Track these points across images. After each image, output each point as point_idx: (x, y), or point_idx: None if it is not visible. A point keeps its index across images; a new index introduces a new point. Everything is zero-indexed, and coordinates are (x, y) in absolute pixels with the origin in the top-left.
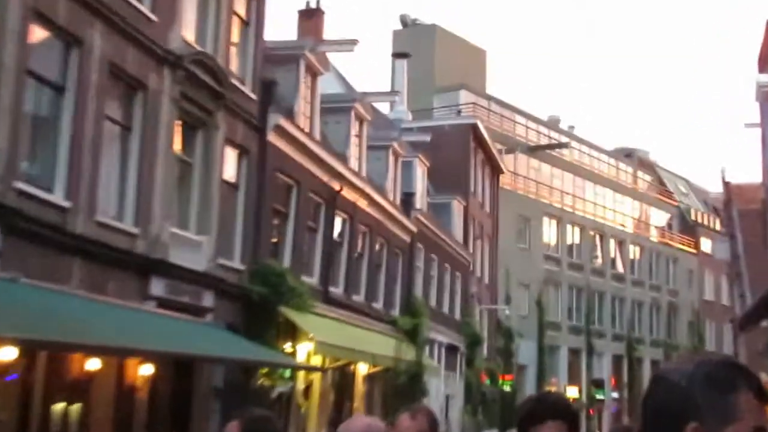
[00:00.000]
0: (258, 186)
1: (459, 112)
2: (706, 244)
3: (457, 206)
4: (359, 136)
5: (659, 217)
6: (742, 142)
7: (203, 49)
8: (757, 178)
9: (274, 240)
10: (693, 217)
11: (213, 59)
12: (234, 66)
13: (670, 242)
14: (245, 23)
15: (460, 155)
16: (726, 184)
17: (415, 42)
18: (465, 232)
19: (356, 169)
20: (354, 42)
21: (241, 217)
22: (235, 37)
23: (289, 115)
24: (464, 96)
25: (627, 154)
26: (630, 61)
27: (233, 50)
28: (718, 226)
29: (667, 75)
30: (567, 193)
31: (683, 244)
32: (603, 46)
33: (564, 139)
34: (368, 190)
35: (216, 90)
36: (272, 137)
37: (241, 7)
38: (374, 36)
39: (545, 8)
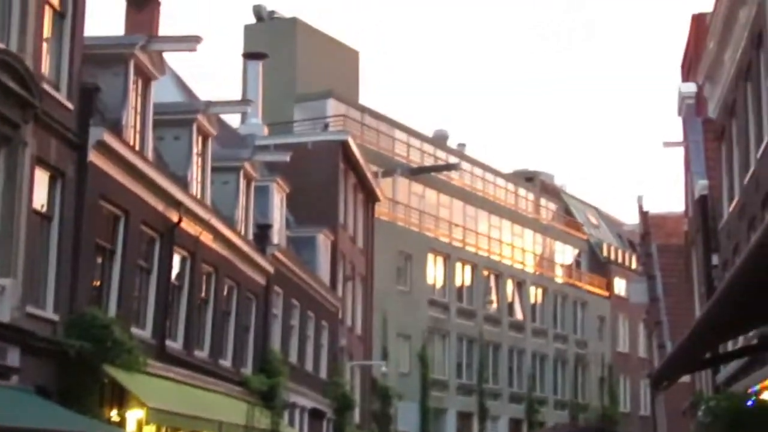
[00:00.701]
0: (76, 216)
1: (326, 126)
2: (620, 286)
3: (323, 241)
4: (202, 155)
5: (566, 254)
6: (662, 165)
7: (5, 45)
8: (678, 206)
9: (97, 283)
10: (605, 254)
11: (18, 58)
12: (46, 68)
13: (579, 283)
14: (60, 14)
15: (327, 179)
16: (643, 215)
17: (272, 40)
18: (333, 272)
19: (199, 196)
20: (196, 39)
21: (55, 256)
22: (47, 31)
23: (116, 128)
24: (332, 106)
25: (528, 178)
26: (532, 71)
27: (45, 48)
28: (634, 264)
29: (575, 90)
30: (456, 225)
31: (594, 286)
32: (501, 51)
33: (453, 160)
34: (214, 221)
35: (22, 97)
36: (94, 156)
37: None
38: (222, 32)
39: (435, 4)
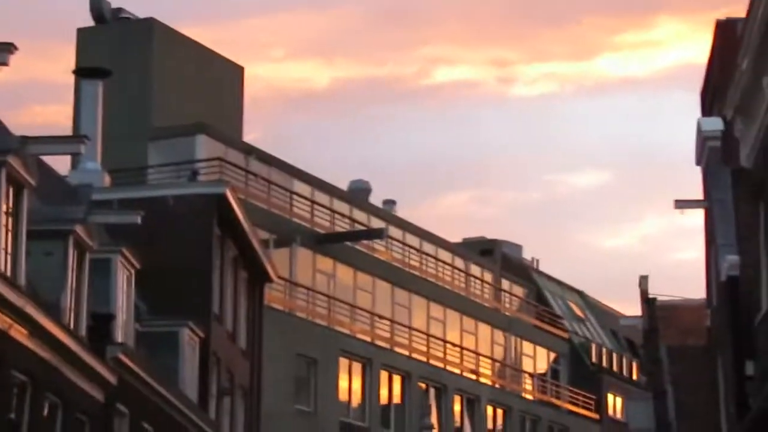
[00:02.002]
0: None
1: (194, 173)
2: (615, 404)
3: (188, 339)
4: (15, 213)
5: (538, 359)
6: (675, 233)
7: None
8: (697, 292)
9: None
10: (594, 359)
11: None
12: None
13: (556, 401)
14: None
15: (196, 250)
16: (648, 303)
17: (118, 51)
18: (203, 383)
19: (8, 273)
20: (9, 48)
21: None
22: None
23: None
24: (204, 146)
25: (485, 251)
26: (487, 98)
27: None
28: (635, 374)
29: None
30: (381, 317)
31: (578, 405)
32: (439, 69)
33: (377, 224)
34: (30, 309)
35: None
36: None
37: None
38: (46, 41)
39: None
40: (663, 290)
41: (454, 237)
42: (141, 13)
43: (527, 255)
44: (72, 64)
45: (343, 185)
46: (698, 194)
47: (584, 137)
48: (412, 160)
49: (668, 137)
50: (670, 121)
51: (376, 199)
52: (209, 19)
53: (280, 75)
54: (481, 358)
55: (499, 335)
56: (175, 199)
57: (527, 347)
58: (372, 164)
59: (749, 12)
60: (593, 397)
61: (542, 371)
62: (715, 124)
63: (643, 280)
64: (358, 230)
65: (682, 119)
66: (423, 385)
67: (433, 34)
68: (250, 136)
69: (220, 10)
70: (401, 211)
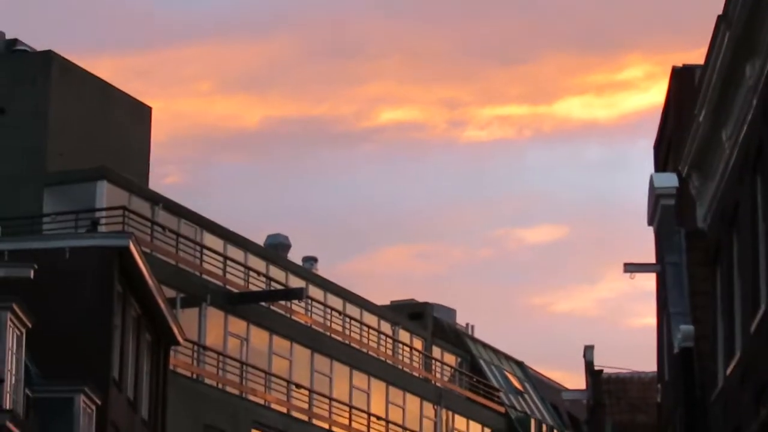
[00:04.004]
0: None
1: (94, 224)
2: None
3: (84, 407)
4: None
5: None
6: (623, 300)
7: None
8: (647, 364)
9: None
10: None
11: None
12: None
13: None
14: None
15: (95, 308)
16: (593, 375)
17: (11, 86)
18: None
19: None
20: None
21: None
22: None
23: None
24: (106, 193)
25: (414, 315)
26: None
27: None
28: None
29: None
30: (299, 386)
31: None
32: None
33: (296, 284)
34: None
35: None
36: None
37: None
38: None
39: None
40: (615, 361)
41: (381, 299)
42: (39, 45)
43: (462, 320)
44: None
45: (260, 240)
46: (650, 257)
47: (541, 188)
48: (344, 211)
49: (632, 190)
50: (636, 171)
51: (296, 256)
52: (125, 48)
53: (206, 111)
54: None
55: (429, 408)
56: (72, 252)
57: (460, 422)
58: (296, 215)
59: (707, 58)
60: None
61: None
62: (669, 180)
63: (588, 351)
64: (275, 290)
65: (649, 170)
66: None
67: (377, 70)
68: (169, 180)
69: (138, 38)
70: (324, 270)
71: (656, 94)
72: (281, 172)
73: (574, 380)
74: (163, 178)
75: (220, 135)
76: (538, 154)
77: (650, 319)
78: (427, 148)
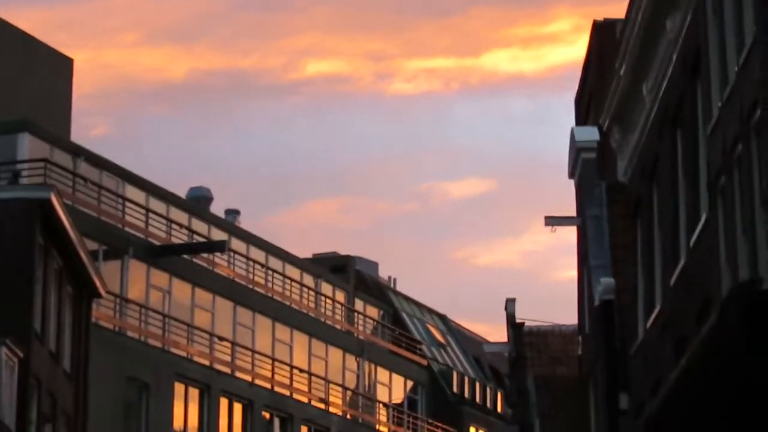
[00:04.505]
0: None
1: (15, 175)
2: None
3: (6, 359)
4: None
5: (395, 387)
6: (545, 252)
7: None
8: (568, 317)
9: None
10: (455, 389)
11: None
12: None
13: None
14: None
15: (16, 259)
16: (515, 329)
17: None
18: (22, 408)
19: None
20: None
21: None
22: None
23: None
24: (27, 146)
25: (337, 268)
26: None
27: None
28: (499, 406)
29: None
30: (222, 339)
31: None
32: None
33: (218, 236)
34: None
35: None
36: None
37: None
38: None
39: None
40: (537, 314)
41: (304, 251)
42: None
43: (384, 273)
44: None
45: (182, 192)
46: (571, 210)
47: (467, 141)
48: (270, 164)
49: (559, 143)
50: (563, 125)
51: (218, 208)
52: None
53: (133, 62)
54: (331, 385)
55: (351, 360)
56: None
57: (382, 374)
58: (220, 167)
59: (628, 12)
60: (453, 430)
61: (398, 401)
62: (590, 134)
63: (510, 303)
64: (198, 242)
65: (572, 124)
66: (267, 415)
67: (304, 22)
68: (96, 131)
69: None
70: (246, 223)
71: (582, 48)
72: (207, 125)
73: (497, 333)
74: (90, 130)
75: (146, 86)
76: (465, 108)
77: (572, 272)
78: (353, 100)
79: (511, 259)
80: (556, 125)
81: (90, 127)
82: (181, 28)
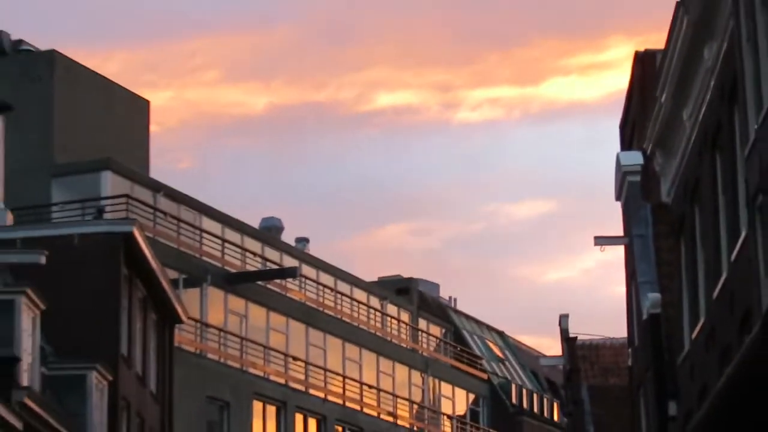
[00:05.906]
0: None
1: (100, 211)
2: None
3: (97, 382)
4: None
5: (457, 400)
6: (595, 271)
7: None
8: (619, 330)
9: None
10: (514, 400)
11: None
12: None
13: None
14: None
15: (103, 290)
16: (568, 343)
17: (18, 84)
18: (113, 428)
19: None
20: None
21: None
22: None
23: None
24: (110, 183)
25: (401, 290)
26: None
27: None
28: (556, 415)
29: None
30: (295, 359)
31: None
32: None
33: (290, 263)
34: None
35: None
36: None
37: None
38: None
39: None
40: (590, 328)
41: (370, 275)
42: (43, 44)
43: (444, 293)
44: None
45: (255, 223)
46: (618, 230)
47: (529, 165)
48: (340, 192)
49: (612, 166)
50: (616, 148)
51: (288, 237)
52: (135, 39)
53: (213, 99)
54: (398, 400)
55: (416, 376)
56: (81, 238)
57: (446, 388)
58: (291, 197)
59: (668, 43)
60: None
61: (461, 413)
62: (635, 158)
63: (563, 319)
64: (271, 269)
65: (604, 152)
66: (339, 428)
67: (374, 56)
68: (182, 164)
69: (146, 30)
70: (316, 249)
71: None
72: (280, 156)
73: (553, 347)
74: (176, 164)
75: (226, 121)
76: (525, 133)
77: (622, 288)
78: (421, 129)
79: (565, 276)
80: (611, 149)
81: (175, 161)
82: (258, 65)
